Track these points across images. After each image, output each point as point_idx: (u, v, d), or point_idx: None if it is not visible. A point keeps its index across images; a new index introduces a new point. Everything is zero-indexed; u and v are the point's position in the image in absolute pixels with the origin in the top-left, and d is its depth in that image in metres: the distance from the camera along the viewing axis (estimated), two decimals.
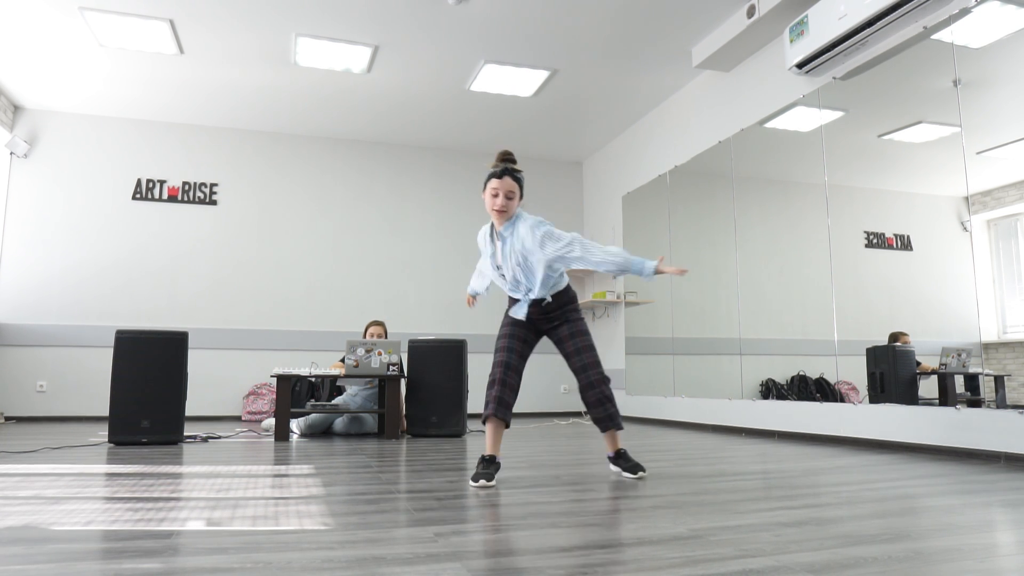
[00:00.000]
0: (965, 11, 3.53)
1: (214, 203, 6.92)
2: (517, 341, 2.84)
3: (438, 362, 4.83)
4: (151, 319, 6.62)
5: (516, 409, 7.47)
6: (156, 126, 6.89)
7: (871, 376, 4.04)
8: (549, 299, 2.84)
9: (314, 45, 5.27)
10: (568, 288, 2.92)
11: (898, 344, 3.90)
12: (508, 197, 2.71)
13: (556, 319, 2.88)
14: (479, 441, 4.46)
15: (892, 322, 3.97)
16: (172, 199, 6.83)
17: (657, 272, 2.67)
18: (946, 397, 3.62)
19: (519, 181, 2.76)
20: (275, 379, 5.33)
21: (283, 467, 3.10)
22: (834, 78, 4.39)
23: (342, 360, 4.93)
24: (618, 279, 6.94)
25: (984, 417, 3.35)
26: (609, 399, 2.80)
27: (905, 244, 3.94)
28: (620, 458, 2.85)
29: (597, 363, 2.82)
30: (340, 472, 2.93)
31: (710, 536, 1.73)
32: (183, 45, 5.30)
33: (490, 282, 3.12)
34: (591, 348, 2.84)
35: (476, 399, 7.25)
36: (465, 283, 7.54)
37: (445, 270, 7.51)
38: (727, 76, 5.49)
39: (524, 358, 2.84)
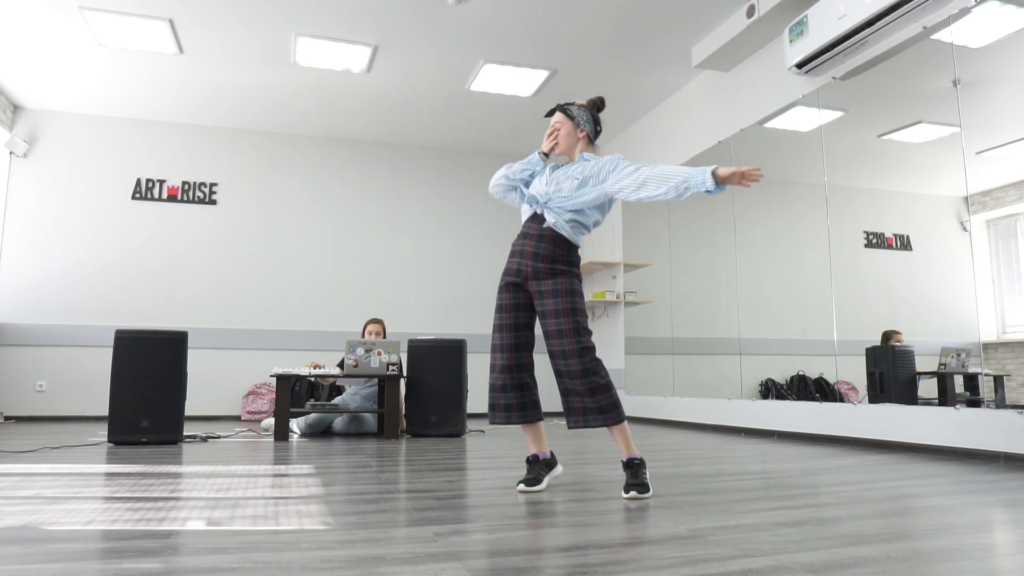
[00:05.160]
0: (965, 11, 3.53)
1: (214, 203, 6.92)
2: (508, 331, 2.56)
3: (438, 362, 4.84)
4: (151, 319, 6.62)
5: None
6: (156, 126, 6.88)
7: (870, 376, 4.04)
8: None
9: (314, 45, 5.27)
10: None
11: (897, 344, 3.90)
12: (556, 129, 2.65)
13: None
14: (478, 441, 4.46)
15: (892, 322, 3.97)
16: (172, 199, 6.83)
17: (721, 182, 2.27)
18: (945, 397, 3.62)
19: (569, 115, 2.63)
20: (275, 379, 5.33)
21: (283, 467, 3.10)
22: (834, 78, 4.39)
23: (339, 364, 4.93)
24: (616, 278, 6.95)
25: (983, 417, 3.35)
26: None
27: (905, 244, 3.94)
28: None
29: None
30: (340, 472, 2.94)
31: (710, 536, 1.73)
32: (183, 45, 5.30)
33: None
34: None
35: (475, 399, 7.25)
36: (464, 283, 7.54)
37: (445, 270, 7.51)
38: (727, 76, 5.49)
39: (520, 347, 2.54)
